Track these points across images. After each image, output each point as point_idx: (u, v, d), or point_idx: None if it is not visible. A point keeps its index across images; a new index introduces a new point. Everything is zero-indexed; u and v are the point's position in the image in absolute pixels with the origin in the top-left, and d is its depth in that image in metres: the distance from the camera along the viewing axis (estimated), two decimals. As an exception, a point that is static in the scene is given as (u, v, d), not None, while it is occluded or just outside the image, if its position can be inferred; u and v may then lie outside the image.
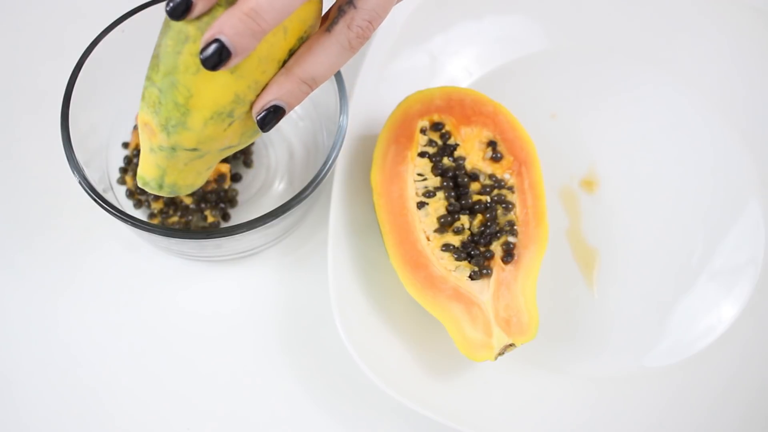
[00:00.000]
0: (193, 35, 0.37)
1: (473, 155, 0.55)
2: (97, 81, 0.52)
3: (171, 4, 0.36)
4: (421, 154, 0.55)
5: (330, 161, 0.50)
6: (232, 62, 0.37)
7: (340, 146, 0.51)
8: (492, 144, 0.55)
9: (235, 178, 0.59)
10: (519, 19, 0.65)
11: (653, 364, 0.55)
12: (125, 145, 0.58)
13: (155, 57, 0.38)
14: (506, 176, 0.54)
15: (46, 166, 0.59)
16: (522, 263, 0.51)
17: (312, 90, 0.41)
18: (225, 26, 0.36)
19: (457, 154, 0.55)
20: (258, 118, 0.40)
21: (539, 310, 0.51)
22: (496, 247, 0.52)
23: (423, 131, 0.55)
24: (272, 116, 0.40)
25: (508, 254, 0.51)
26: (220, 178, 0.55)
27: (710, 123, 0.63)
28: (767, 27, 0.63)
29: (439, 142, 0.55)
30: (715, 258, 0.58)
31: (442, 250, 0.52)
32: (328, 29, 0.39)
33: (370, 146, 0.56)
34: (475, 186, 0.54)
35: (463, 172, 0.54)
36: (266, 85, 0.40)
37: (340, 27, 0.39)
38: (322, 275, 0.55)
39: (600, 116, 0.63)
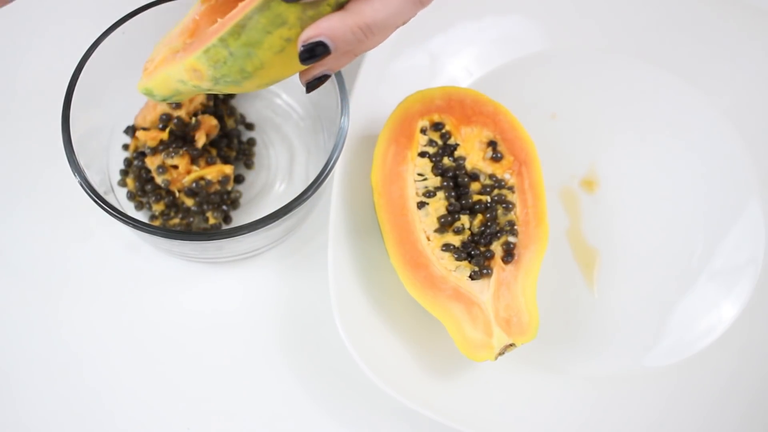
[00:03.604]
0: (291, 22, 0.38)
1: (473, 155, 0.55)
2: (97, 82, 0.52)
3: None
4: (422, 154, 0.55)
5: (331, 163, 0.50)
6: (324, 63, 0.36)
7: (341, 148, 0.51)
8: (492, 144, 0.55)
9: (237, 179, 0.59)
10: (519, 19, 0.65)
11: (653, 364, 0.55)
12: (125, 147, 0.58)
13: (239, 26, 0.38)
14: (506, 176, 0.54)
15: (47, 168, 0.59)
16: (522, 263, 0.51)
17: (366, 42, 0.38)
18: (336, 32, 0.36)
19: (457, 154, 0.55)
20: (302, 49, 0.37)
21: (539, 310, 0.51)
22: (497, 247, 0.52)
23: (423, 131, 0.55)
24: (315, 57, 0.38)
25: (509, 254, 0.51)
26: (223, 180, 0.55)
27: (710, 123, 0.63)
28: (767, 27, 0.63)
29: (440, 142, 0.55)
30: (715, 258, 0.58)
31: (442, 250, 0.52)
32: None
33: (371, 146, 0.57)
34: (475, 186, 0.54)
35: (463, 172, 0.54)
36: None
37: None
38: (323, 275, 0.55)
39: (600, 116, 0.63)
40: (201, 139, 0.55)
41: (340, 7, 0.38)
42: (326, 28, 0.36)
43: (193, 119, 0.55)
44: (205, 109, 0.57)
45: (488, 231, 0.52)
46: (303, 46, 0.38)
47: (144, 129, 0.56)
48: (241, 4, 0.39)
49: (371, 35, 0.36)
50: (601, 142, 0.62)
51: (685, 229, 0.59)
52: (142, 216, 0.57)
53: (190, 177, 0.54)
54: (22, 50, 0.64)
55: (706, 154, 0.62)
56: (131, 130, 0.58)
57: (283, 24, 0.38)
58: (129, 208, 0.57)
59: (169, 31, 0.46)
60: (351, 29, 0.36)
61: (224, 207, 0.56)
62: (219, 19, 0.40)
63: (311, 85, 0.40)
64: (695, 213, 0.60)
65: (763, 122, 0.62)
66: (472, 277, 0.51)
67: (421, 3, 0.38)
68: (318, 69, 0.39)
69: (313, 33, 0.36)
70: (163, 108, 0.55)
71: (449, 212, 0.53)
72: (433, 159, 0.55)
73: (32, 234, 0.58)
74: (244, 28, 0.38)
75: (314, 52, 0.37)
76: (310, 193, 0.50)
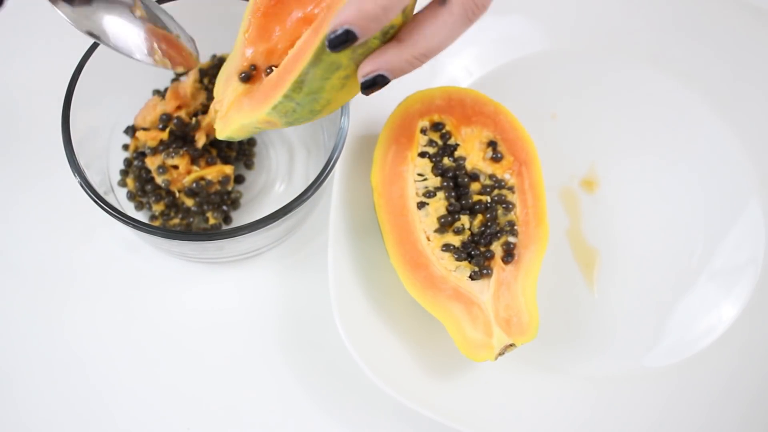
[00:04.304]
0: (345, 64, 0.40)
1: (473, 155, 0.55)
2: (98, 83, 0.52)
3: (332, 36, 0.36)
4: (422, 154, 0.55)
5: (331, 163, 0.50)
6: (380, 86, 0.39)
7: (341, 148, 0.51)
8: (492, 144, 0.55)
9: (237, 179, 0.59)
10: (519, 19, 0.65)
11: (653, 364, 0.55)
12: (126, 147, 0.58)
13: (298, 82, 0.41)
14: (506, 176, 0.54)
15: (47, 168, 0.59)
16: (522, 263, 0.51)
17: (423, 64, 0.40)
18: (394, 65, 0.38)
19: (457, 154, 0.55)
20: (362, 82, 0.40)
21: (539, 310, 0.51)
22: (497, 247, 0.52)
23: (423, 131, 0.55)
24: (376, 85, 0.40)
25: (509, 254, 0.51)
26: (224, 180, 0.55)
27: (710, 123, 0.63)
28: (767, 27, 0.63)
29: (440, 142, 0.55)
30: (715, 258, 0.58)
31: (442, 250, 0.52)
32: (442, 2, 0.38)
33: (371, 146, 0.57)
34: (475, 186, 0.54)
35: (463, 172, 0.54)
36: (346, 10, 0.37)
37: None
38: (323, 276, 0.55)
39: (600, 116, 0.63)
40: (201, 139, 0.55)
41: (386, 36, 0.39)
42: (383, 62, 0.38)
43: (193, 119, 0.55)
44: (205, 109, 0.57)
45: (488, 231, 0.52)
46: (363, 80, 0.39)
47: (144, 129, 0.56)
48: (292, 53, 0.42)
49: (426, 59, 0.38)
50: (601, 142, 0.62)
51: (685, 229, 0.59)
52: (142, 216, 0.57)
53: (191, 177, 0.54)
54: (22, 50, 0.64)
55: (706, 154, 0.62)
56: (131, 130, 0.58)
57: (338, 68, 0.40)
58: (129, 209, 0.57)
59: (227, 64, 0.48)
60: (407, 60, 0.38)
61: (224, 207, 0.56)
62: (275, 68, 0.44)
63: (369, 87, 0.41)
64: (695, 213, 0.60)
65: (762, 122, 0.62)
66: (472, 277, 0.51)
67: (470, 20, 0.39)
68: (370, 67, 0.40)
69: (370, 69, 0.38)
70: (163, 108, 0.55)
71: (449, 212, 0.53)
72: (433, 159, 0.55)
73: (32, 234, 0.58)
74: (304, 83, 0.41)
75: (375, 82, 0.39)
76: (310, 193, 0.50)
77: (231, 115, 0.47)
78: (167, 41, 0.49)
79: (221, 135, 0.47)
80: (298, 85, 0.41)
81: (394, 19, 0.37)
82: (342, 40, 0.36)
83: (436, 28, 0.38)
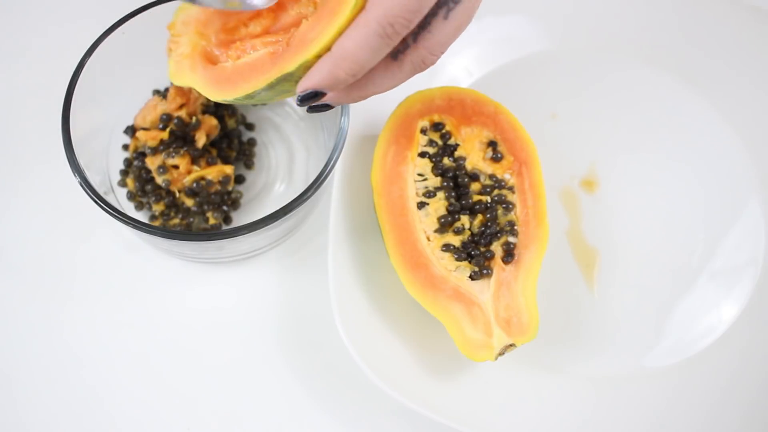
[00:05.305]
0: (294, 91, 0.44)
1: (473, 155, 0.55)
2: (98, 83, 0.52)
3: (302, 95, 0.41)
4: (422, 154, 0.55)
5: (331, 163, 0.50)
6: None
7: (341, 148, 0.51)
8: (492, 144, 0.55)
9: (237, 179, 0.59)
10: (519, 19, 0.65)
11: (653, 364, 0.55)
12: (126, 147, 0.58)
13: (249, 96, 0.44)
14: (506, 176, 0.54)
15: (47, 168, 0.59)
16: (522, 263, 0.51)
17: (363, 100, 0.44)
18: (339, 99, 0.42)
19: (457, 154, 0.55)
20: (299, 99, 0.42)
21: (539, 310, 0.51)
22: (497, 248, 0.52)
23: (423, 131, 0.55)
24: (315, 107, 0.43)
25: (509, 254, 0.51)
26: (224, 180, 0.55)
27: (710, 123, 0.63)
28: (767, 27, 0.63)
29: (440, 142, 0.55)
30: (715, 258, 0.58)
31: (442, 250, 0.52)
32: (394, 57, 0.41)
33: (371, 146, 0.57)
34: (475, 186, 0.54)
35: (463, 172, 0.54)
36: (320, 74, 0.41)
37: (408, 57, 0.41)
38: (323, 276, 0.55)
39: (600, 116, 0.63)
40: (201, 139, 0.55)
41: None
42: (331, 94, 0.41)
43: (194, 119, 0.55)
44: (205, 109, 0.57)
45: (488, 231, 0.52)
46: (300, 99, 0.42)
47: (144, 129, 0.56)
48: (247, 65, 0.44)
49: (367, 97, 0.42)
50: (601, 143, 0.62)
51: (685, 229, 0.59)
52: (142, 216, 0.57)
53: (191, 177, 0.54)
54: (22, 50, 0.64)
55: (706, 154, 0.62)
56: (131, 130, 0.58)
57: (288, 92, 0.44)
58: (129, 209, 0.57)
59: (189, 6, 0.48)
60: (352, 98, 0.42)
61: (224, 207, 0.56)
62: (230, 58, 0.46)
63: (305, 103, 0.43)
64: (695, 213, 0.60)
65: (763, 122, 0.62)
66: (472, 278, 0.51)
67: (416, 73, 0.42)
68: (316, 89, 0.42)
69: (311, 86, 0.41)
70: (163, 108, 0.55)
71: (449, 212, 0.53)
72: (433, 159, 0.55)
73: (32, 234, 0.58)
74: (254, 97, 0.44)
75: (315, 96, 0.41)
76: (310, 193, 0.50)
77: (185, 70, 0.47)
78: None
79: (174, 79, 0.48)
80: (249, 96, 0.44)
81: None
82: (311, 96, 0.41)
83: (386, 78, 0.42)
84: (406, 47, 0.41)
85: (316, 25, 0.40)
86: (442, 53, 0.42)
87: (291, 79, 0.42)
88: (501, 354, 0.49)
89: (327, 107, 0.43)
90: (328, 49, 0.40)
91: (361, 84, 0.42)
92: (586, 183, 0.61)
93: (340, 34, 0.40)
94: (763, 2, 0.63)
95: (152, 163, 0.54)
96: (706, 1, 0.64)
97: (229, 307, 0.56)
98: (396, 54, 0.41)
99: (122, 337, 0.55)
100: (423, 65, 0.42)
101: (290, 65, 0.41)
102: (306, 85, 0.40)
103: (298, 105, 0.42)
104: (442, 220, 0.52)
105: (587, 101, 0.64)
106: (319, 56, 0.40)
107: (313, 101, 0.42)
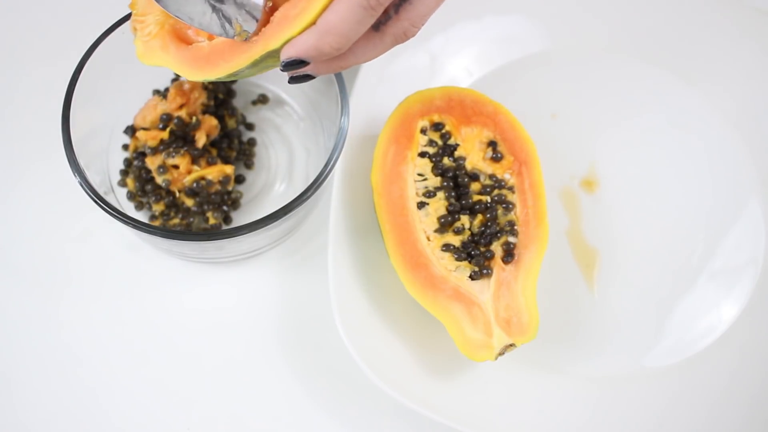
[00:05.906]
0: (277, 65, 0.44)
1: (473, 155, 0.55)
2: (97, 83, 0.52)
3: (287, 60, 0.41)
4: (422, 154, 0.55)
5: (331, 163, 0.50)
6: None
7: (341, 148, 0.51)
8: (492, 144, 0.55)
9: (237, 179, 0.59)
10: (519, 19, 0.65)
11: (653, 364, 0.55)
12: (126, 147, 0.58)
13: (233, 74, 0.43)
14: (506, 176, 0.54)
15: (47, 168, 0.59)
16: (522, 263, 0.51)
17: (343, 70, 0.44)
18: (320, 69, 0.42)
19: (457, 154, 0.55)
20: (282, 64, 0.42)
21: (539, 310, 0.51)
22: (497, 247, 0.52)
23: (423, 131, 0.55)
24: (297, 75, 0.43)
25: (509, 254, 0.51)
26: (224, 180, 0.55)
27: (710, 123, 0.63)
28: (767, 27, 0.63)
29: (440, 142, 0.55)
30: (715, 258, 0.58)
31: (442, 250, 0.52)
32: (376, 28, 0.41)
33: (371, 146, 0.57)
34: (475, 186, 0.54)
35: (463, 172, 0.54)
36: (304, 44, 0.41)
37: (389, 29, 0.42)
38: (323, 276, 0.55)
39: (600, 116, 0.63)
40: (201, 139, 0.55)
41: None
42: (313, 63, 0.41)
43: (194, 119, 0.55)
44: (205, 109, 0.57)
45: (488, 231, 0.52)
46: (284, 65, 0.42)
47: (144, 129, 0.56)
48: (227, 45, 0.43)
49: (348, 68, 0.42)
50: (601, 143, 0.62)
51: (685, 228, 0.59)
52: (142, 216, 0.57)
53: (191, 177, 0.54)
54: (22, 50, 0.64)
55: (706, 154, 0.62)
56: (131, 130, 0.58)
57: (271, 67, 0.44)
58: (129, 208, 0.57)
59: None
60: (332, 68, 0.42)
61: (224, 207, 0.56)
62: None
63: (288, 71, 0.43)
64: (695, 213, 0.60)
65: (763, 122, 0.62)
66: (472, 278, 0.51)
67: (396, 44, 0.42)
68: (297, 60, 0.43)
69: (294, 54, 0.41)
70: (163, 108, 0.55)
71: (449, 212, 0.53)
72: (433, 159, 0.55)
73: (32, 234, 0.58)
74: (237, 75, 0.44)
75: (298, 64, 0.41)
76: (310, 193, 0.50)
77: (155, 50, 0.46)
78: None
79: (144, 60, 0.47)
80: (233, 75, 0.44)
81: None
82: (294, 64, 0.41)
83: (367, 50, 0.42)
84: (388, 19, 0.41)
85: (299, 2, 0.40)
86: (423, 25, 0.42)
87: (275, 54, 0.42)
88: (501, 354, 0.49)
89: (308, 77, 0.43)
90: (313, 24, 0.40)
91: (343, 55, 0.42)
92: (586, 183, 0.61)
93: (324, 9, 0.39)
94: (763, 3, 0.63)
95: (152, 163, 0.54)
96: (706, 2, 0.64)
97: (229, 307, 0.56)
98: (377, 25, 0.42)
99: (122, 337, 0.55)
100: (404, 37, 0.42)
101: (275, 42, 0.41)
102: (290, 52, 0.41)
103: (282, 70, 0.42)
104: (442, 220, 0.52)
105: (587, 101, 0.64)
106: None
107: (296, 69, 0.42)
